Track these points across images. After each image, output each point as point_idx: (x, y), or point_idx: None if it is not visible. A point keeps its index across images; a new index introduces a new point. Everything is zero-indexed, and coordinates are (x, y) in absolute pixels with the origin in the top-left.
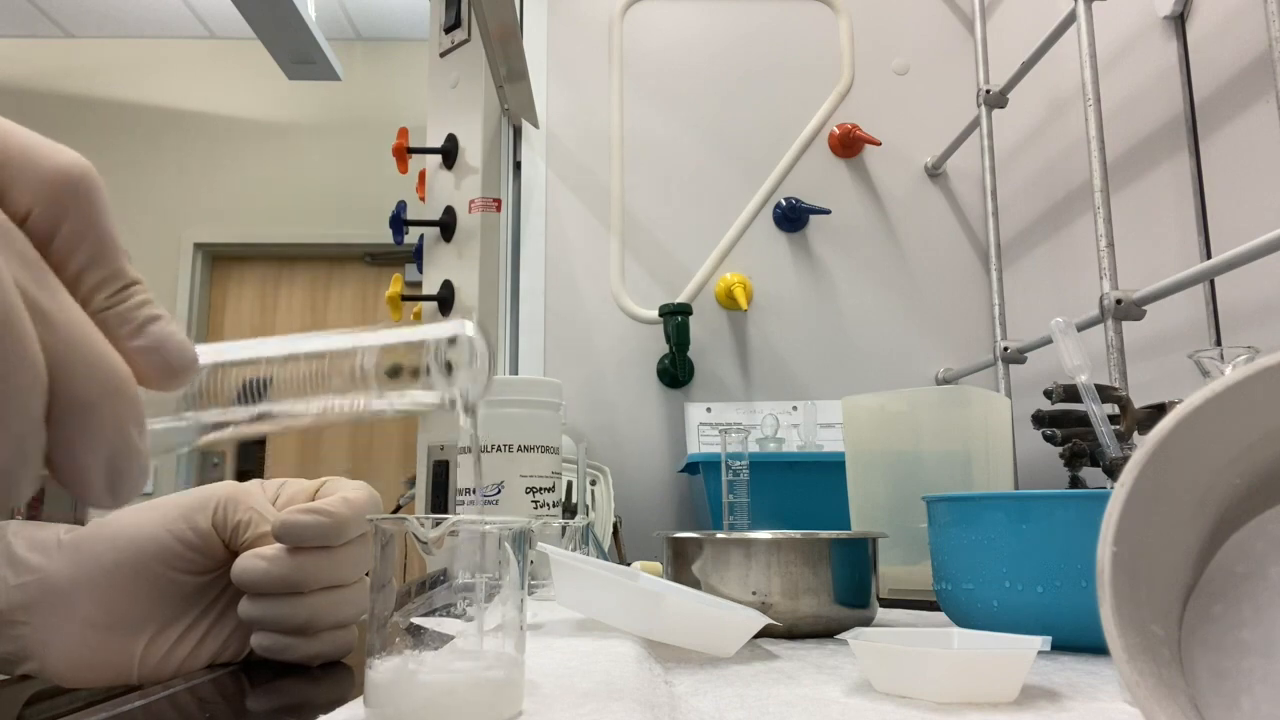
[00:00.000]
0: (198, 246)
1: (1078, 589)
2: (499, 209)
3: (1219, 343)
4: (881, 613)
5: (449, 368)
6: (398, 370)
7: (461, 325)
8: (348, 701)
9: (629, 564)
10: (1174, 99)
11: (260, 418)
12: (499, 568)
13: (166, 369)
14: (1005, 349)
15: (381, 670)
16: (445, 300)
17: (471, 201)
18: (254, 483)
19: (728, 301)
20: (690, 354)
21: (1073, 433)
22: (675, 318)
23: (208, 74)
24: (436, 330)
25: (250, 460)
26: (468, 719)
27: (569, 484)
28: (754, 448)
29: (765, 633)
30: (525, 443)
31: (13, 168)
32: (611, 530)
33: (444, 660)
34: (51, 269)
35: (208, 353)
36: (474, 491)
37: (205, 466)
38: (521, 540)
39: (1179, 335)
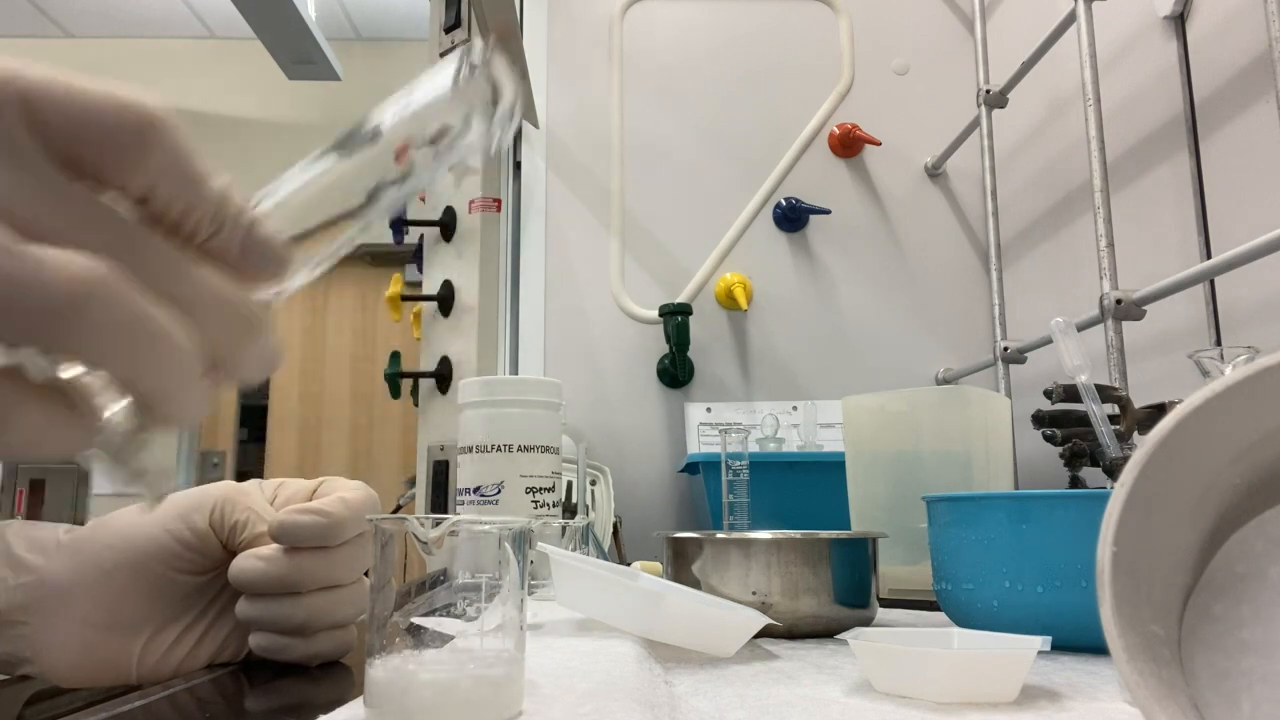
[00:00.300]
0: None
1: (1078, 589)
2: (499, 209)
3: (1219, 343)
4: (881, 613)
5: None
6: (446, 129)
7: (479, 51)
8: (347, 701)
9: (629, 564)
10: (1174, 99)
11: (342, 246)
12: (499, 568)
13: (272, 272)
14: (1005, 349)
15: (382, 670)
16: (445, 300)
17: (471, 201)
18: (252, 483)
19: (728, 301)
20: (690, 354)
21: (1073, 433)
22: (675, 318)
23: (208, 74)
24: (467, 69)
25: (250, 460)
26: (468, 718)
27: (569, 484)
28: (754, 448)
29: (765, 633)
30: (525, 443)
31: (97, 146)
32: (611, 530)
33: (444, 660)
34: (157, 223)
35: (274, 207)
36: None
37: (205, 466)
38: (521, 540)
39: (1179, 335)
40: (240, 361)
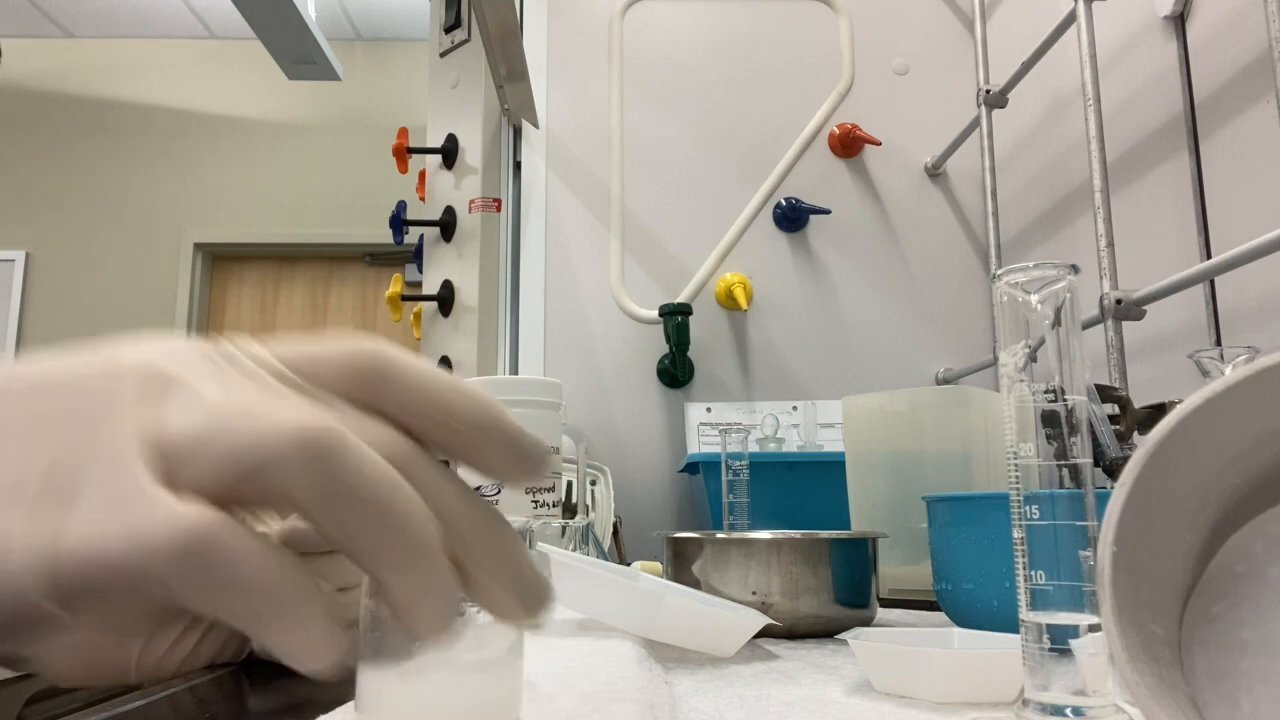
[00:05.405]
0: (198, 246)
1: None
2: (499, 209)
3: (1219, 343)
4: (881, 613)
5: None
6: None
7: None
8: (347, 701)
9: (629, 564)
10: (1174, 99)
11: None
12: None
13: (534, 472)
14: None
15: (374, 673)
16: (445, 300)
17: (471, 201)
18: None
19: (728, 301)
20: (690, 354)
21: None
22: (675, 318)
23: (208, 74)
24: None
25: None
26: None
27: (569, 484)
28: (754, 448)
29: (765, 633)
30: None
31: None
32: (611, 530)
33: (439, 663)
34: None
35: None
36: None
37: None
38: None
39: (1179, 335)
40: (495, 578)
